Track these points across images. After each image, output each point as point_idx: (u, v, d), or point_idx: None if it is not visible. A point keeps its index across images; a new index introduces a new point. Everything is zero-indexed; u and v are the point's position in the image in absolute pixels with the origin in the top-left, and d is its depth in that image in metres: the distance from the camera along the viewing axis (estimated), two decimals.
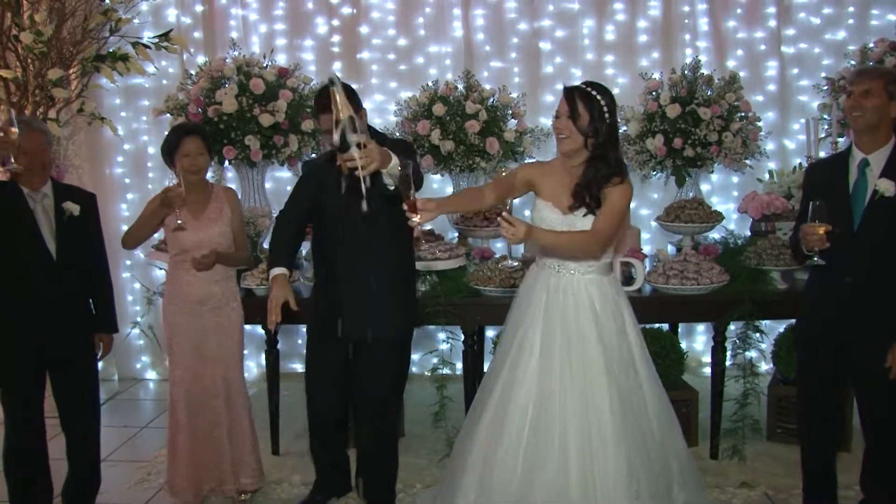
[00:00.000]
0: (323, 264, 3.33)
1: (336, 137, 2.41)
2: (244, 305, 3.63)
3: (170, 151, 3.38)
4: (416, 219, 2.52)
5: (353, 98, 2.90)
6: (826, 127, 4.55)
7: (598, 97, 2.71)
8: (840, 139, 4.24)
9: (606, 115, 2.72)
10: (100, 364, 5.33)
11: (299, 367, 5.08)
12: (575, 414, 2.70)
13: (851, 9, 5.16)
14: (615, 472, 2.64)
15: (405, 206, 2.52)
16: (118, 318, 5.40)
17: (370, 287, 3.16)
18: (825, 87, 4.67)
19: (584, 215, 2.78)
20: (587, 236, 2.73)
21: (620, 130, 4.52)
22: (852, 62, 4.64)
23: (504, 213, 2.53)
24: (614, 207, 2.74)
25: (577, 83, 2.79)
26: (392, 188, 2.63)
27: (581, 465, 2.66)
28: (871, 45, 4.52)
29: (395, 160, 2.55)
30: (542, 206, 2.87)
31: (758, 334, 3.91)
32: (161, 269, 3.39)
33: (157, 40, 4.85)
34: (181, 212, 3.27)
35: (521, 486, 2.70)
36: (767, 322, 3.99)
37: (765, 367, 4.52)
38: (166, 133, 3.49)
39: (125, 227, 5.22)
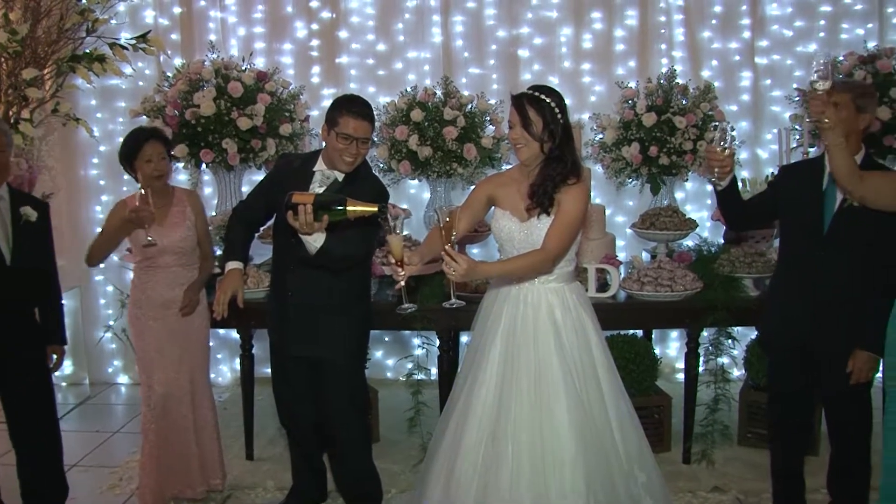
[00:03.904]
0: (277, 277, 3.29)
1: (320, 195, 2.73)
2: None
3: (129, 157, 3.34)
4: (402, 272, 2.61)
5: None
6: (797, 137, 4.63)
7: (548, 100, 2.70)
8: (811, 149, 4.31)
9: (559, 116, 2.71)
10: (70, 369, 5.36)
11: None
12: (528, 430, 2.67)
13: (822, 22, 5.26)
14: (571, 489, 2.61)
15: (392, 260, 2.62)
16: (91, 321, 5.46)
17: (319, 309, 3.11)
18: (797, 98, 4.75)
19: (539, 216, 2.75)
20: (537, 257, 2.69)
21: (597, 139, 4.59)
22: None
23: (447, 248, 2.48)
24: (567, 218, 2.71)
25: (523, 90, 2.77)
26: (313, 253, 2.88)
27: (533, 481, 2.63)
28: (841, 58, 4.60)
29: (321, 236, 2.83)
30: (501, 216, 2.86)
31: (730, 341, 3.96)
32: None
33: (134, 41, 4.82)
34: (150, 228, 3.27)
35: (477, 499, 2.68)
36: (739, 329, 4.04)
37: (737, 373, 4.57)
38: (122, 139, 3.44)
39: (99, 230, 5.19)
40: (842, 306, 2.91)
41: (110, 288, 5.38)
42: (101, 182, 5.45)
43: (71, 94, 5.03)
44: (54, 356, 3.35)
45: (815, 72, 2.68)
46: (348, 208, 2.63)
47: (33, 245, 3.19)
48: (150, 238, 3.28)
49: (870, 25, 5.21)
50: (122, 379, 5.55)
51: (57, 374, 3.40)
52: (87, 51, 4.79)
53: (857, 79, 4.27)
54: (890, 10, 5.23)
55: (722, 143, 2.86)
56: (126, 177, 5.26)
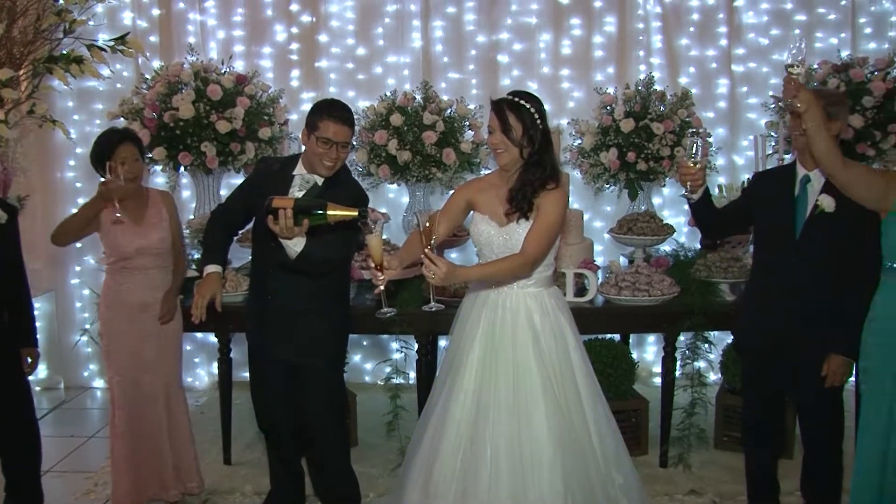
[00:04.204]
0: (256, 281, 3.27)
1: (300, 199, 2.69)
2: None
3: (102, 159, 3.31)
4: (381, 277, 2.61)
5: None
6: (773, 144, 4.69)
7: (528, 105, 2.72)
8: (786, 156, 4.36)
9: (538, 122, 2.72)
10: (44, 373, 5.30)
11: None
12: (507, 433, 2.69)
13: (797, 31, 5.33)
14: (549, 491, 2.63)
15: (372, 265, 2.62)
16: (66, 324, 5.40)
17: (299, 313, 3.10)
18: (772, 106, 4.81)
19: (518, 220, 2.77)
20: (516, 261, 2.70)
21: (575, 144, 4.63)
22: None
23: (426, 251, 2.49)
24: (546, 222, 2.72)
25: (503, 96, 2.79)
26: (293, 258, 2.85)
27: (512, 485, 2.65)
28: (815, 66, 4.67)
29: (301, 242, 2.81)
30: (479, 220, 2.87)
31: (706, 345, 3.99)
32: None
33: (112, 43, 4.78)
34: (120, 206, 3.22)
35: (456, 502, 2.69)
36: (716, 333, 4.07)
37: (713, 377, 4.61)
38: (94, 140, 3.43)
39: None
40: (815, 311, 2.95)
41: (86, 291, 5.33)
42: (78, 185, 5.40)
43: (47, 95, 4.98)
44: (29, 359, 3.32)
45: (790, 55, 2.70)
46: (328, 213, 2.63)
47: (3, 247, 3.17)
48: (118, 214, 3.25)
49: (843, 35, 5.30)
50: (98, 383, 5.50)
51: (31, 377, 3.37)
52: (65, 52, 4.74)
53: (831, 87, 4.34)
54: (862, 20, 5.33)
55: (693, 156, 2.89)
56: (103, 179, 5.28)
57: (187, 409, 3.68)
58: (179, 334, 3.62)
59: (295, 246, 2.81)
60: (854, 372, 2.97)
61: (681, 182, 3.00)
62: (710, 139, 4.71)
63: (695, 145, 2.89)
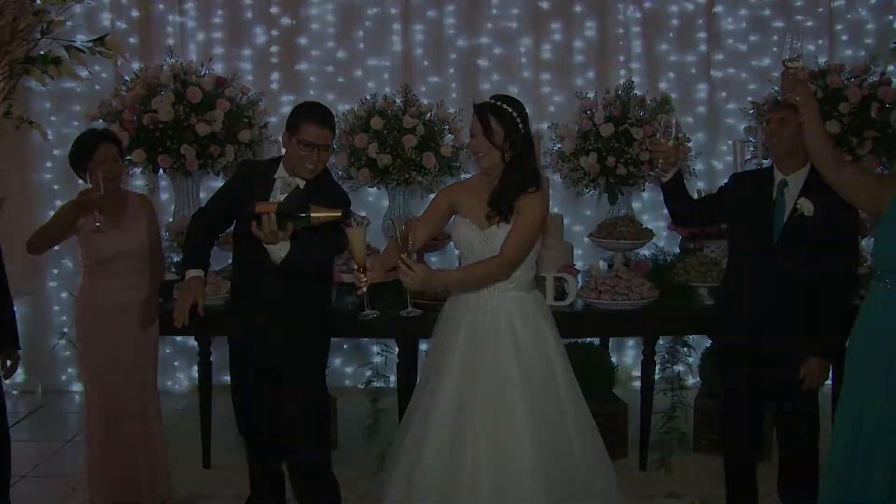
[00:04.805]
0: (238, 286, 3.25)
1: (283, 204, 2.71)
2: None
3: (82, 159, 3.28)
4: (364, 279, 2.62)
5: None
6: (752, 149, 4.73)
7: (510, 109, 2.72)
8: (765, 161, 4.39)
9: (520, 126, 2.73)
10: (21, 377, 5.24)
11: None
12: (487, 437, 2.69)
13: (775, 38, 5.39)
14: (530, 496, 2.64)
15: (355, 266, 2.63)
16: (44, 328, 5.35)
17: (280, 316, 3.08)
18: (751, 111, 4.85)
19: (499, 224, 2.77)
20: (494, 264, 2.71)
21: (555, 148, 4.64)
22: (776, 88, 4.84)
23: (403, 256, 2.50)
24: (525, 224, 2.73)
25: (485, 100, 2.80)
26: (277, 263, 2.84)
27: (493, 488, 2.65)
28: None
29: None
30: (461, 223, 2.88)
31: (686, 349, 4.01)
32: None
33: (91, 44, 4.74)
34: (100, 214, 3.19)
35: None
36: (695, 337, 4.10)
37: (692, 380, 4.64)
38: (74, 140, 3.40)
39: None
40: (792, 314, 2.97)
41: (64, 294, 5.28)
42: (55, 186, 5.35)
43: (24, 96, 4.94)
44: (8, 361, 3.28)
45: (787, 50, 2.72)
46: (312, 215, 2.62)
47: None
48: (98, 224, 3.21)
49: (820, 42, 5.36)
50: (76, 387, 5.43)
51: (8, 381, 3.33)
52: (42, 53, 4.70)
53: None
54: (839, 27, 5.40)
55: (668, 132, 2.90)
56: (80, 182, 5.22)
57: (161, 413, 3.66)
58: (156, 337, 3.60)
59: (279, 251, 2.80)
60: (830, 375, 3.00)
61: (653, 160, 3.00)
62: (689, 143, 4.73)
63: (668, 122, 2.90)
